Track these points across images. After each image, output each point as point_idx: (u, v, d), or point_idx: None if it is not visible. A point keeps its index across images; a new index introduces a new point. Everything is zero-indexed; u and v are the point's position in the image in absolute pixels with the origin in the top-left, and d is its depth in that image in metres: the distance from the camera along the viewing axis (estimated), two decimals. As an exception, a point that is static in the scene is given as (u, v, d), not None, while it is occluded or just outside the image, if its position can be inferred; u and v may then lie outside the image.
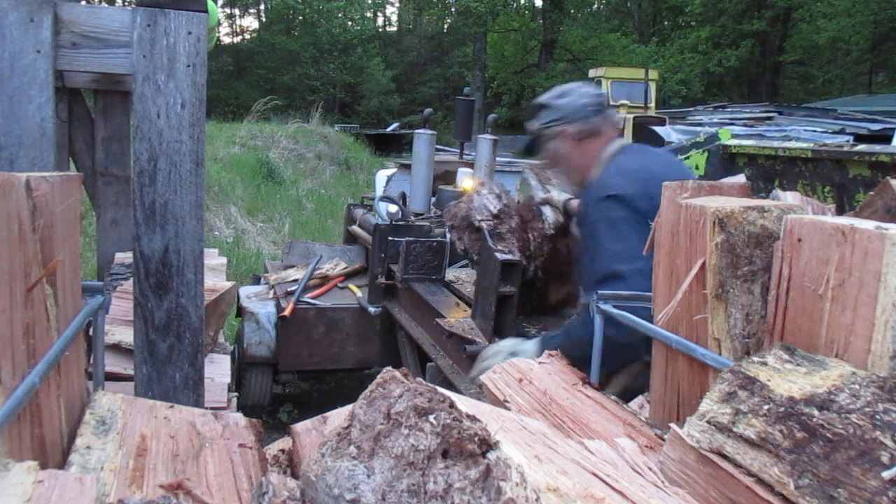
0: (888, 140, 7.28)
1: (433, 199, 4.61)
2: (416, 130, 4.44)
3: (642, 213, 1.97)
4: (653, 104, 15.62)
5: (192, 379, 2.03)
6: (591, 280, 2.12)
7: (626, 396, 1.76)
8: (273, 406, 3.99)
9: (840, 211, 2.70)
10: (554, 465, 0.98)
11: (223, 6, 30.32)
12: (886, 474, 0.84)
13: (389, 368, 0.93)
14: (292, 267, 4.27)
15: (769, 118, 10.05)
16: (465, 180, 4.37)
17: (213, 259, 3.31)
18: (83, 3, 2.84)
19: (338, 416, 1.46)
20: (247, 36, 33.20)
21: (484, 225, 3.02)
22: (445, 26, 32.18)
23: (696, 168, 4.55)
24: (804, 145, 3.84)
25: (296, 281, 3.91)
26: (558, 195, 2.95)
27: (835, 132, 8.58)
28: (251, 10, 33.33)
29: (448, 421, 0.81)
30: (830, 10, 21.59)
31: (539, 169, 3.22)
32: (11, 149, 1.89)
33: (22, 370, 1.09)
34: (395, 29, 36.01)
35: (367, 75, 28.64)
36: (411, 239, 3.56)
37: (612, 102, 15.58)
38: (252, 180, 10.40)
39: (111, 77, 2.77)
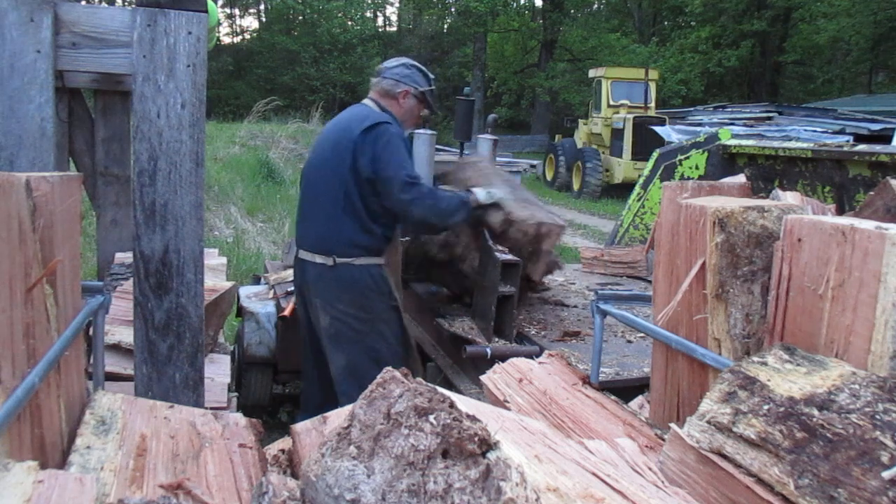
0: (888, 140, 7.28)
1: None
2: (416, 130, 4.44)
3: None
4: (653, 104, 15.58)
5: (192, 379, 2.03)
6: None
7: None
8: (273, 406, 3.99)
9: (840, 211, 2.70)
10: (554, 465, 0.98)
11: (223, 6, 30.29)
12: (886, 474, 0.84)
13: (389, 368, 0.93)
14: (292, 267, 4.27)
15: (769, 118, 10.05)
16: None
17: (213, 259, 3.31)
18: (83, 3, 2.84)
19: (338, 416, 1.46)
20: (247, 36, 33.19)
21: None
22: (445, 26, 32.14)
23: (696, 168, 4.56)
24: (804, 145, 3.84)
25: (296, 281, 3.91)
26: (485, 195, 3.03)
27: (835, 132, 8.58)
28: (251, 10, 33.29)
29: (448, 421, 0.81)
30: (830, 10, 21.56)
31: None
32: (11, 149, 1.89)
33: (22, 370, 1.09)
34: (395, 29, 35.99)
35: (367, 75, 28.63)
36: (411, 239, 3.56)
37: (612, 102, 15.57)
38: (252, 180, 10.40)
39: (111, 77, 2.77)
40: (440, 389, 0.88)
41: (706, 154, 4.47)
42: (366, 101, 2.97)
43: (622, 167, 14.37)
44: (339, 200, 2.74)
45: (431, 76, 3.05)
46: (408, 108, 2.95)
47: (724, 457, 1.02)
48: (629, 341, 2.89)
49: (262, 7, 32.72)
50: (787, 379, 1.06)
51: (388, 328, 2.83)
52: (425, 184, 2.82)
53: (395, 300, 2.87)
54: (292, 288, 3.80)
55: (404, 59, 3.06)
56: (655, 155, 4.96)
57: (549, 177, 16.80)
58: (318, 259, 2.79)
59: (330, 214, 2.76)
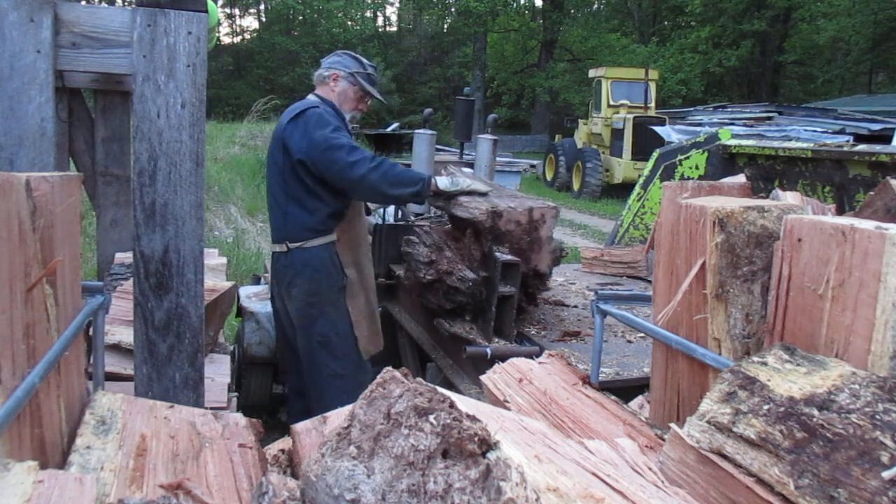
0: (888, 140, 7.28)
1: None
2: (416, 130, 4.44)
3: None
4: (653, 104, 15.58)
5: (192, 379, 2.03)
6: None
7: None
8: (273, 406, 3.99)
9: (840, 211, 2.70)
10: (554, 465, 0.98)
11: (223, 6, 30.28)
12: (886, 474, 0.84)
13: (389, 368, 0.93)
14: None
15: (769, 118, 10.05)
16: None
17: (213, 259, 3.31)
18: (83, 3, 2.84)
19: (338, 416, 1.46)
20: (247, 36, 33.20)
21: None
22: (445, 26, 32.14)
23: (696, 168, 4.56)
24: (804, 145, 3.84)
25: (296, 281, 3.91)
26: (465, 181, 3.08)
27: (835, 132, 8.59)
28: (251, 10, 33.30)
29: (448, 421, 0.81)
30: (830, 10, 21.57)
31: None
32: (11, 149, 1.89)
33: (22, 370, 1.09)
34: (395, 29, 35.98)
35: (367, 75, 28.58)
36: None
37: (612, 102, 15.58)
38: (252, 180, 10.40)
39: (111, 77, 2.77)
40: (440, 389, 0.88)
41: (706, 154, 4.47)
42: (309, 95, 3.13)
43: (622, 167, 14.37)
44: (282, 189, 2.93)
45: (366, 62, 3.16)
46: (340, 90, 3.06)
47: (724, 457, 1.02)
48: (629, 341, 2.89)
49: (262, 7, 32.72)
50: (787, 379, 1.06)
51: (335, 311, 2.97)
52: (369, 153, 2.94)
53: (343, 279, 3.00)
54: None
55: (338, 51, 3.22)
56: (655, 155, 4.96)
57: (549, 177, 16.80)
58: (276, 248, 2.98)
59: (279, 204, 2.96)
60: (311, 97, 3.09)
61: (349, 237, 3.07)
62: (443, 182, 2.97)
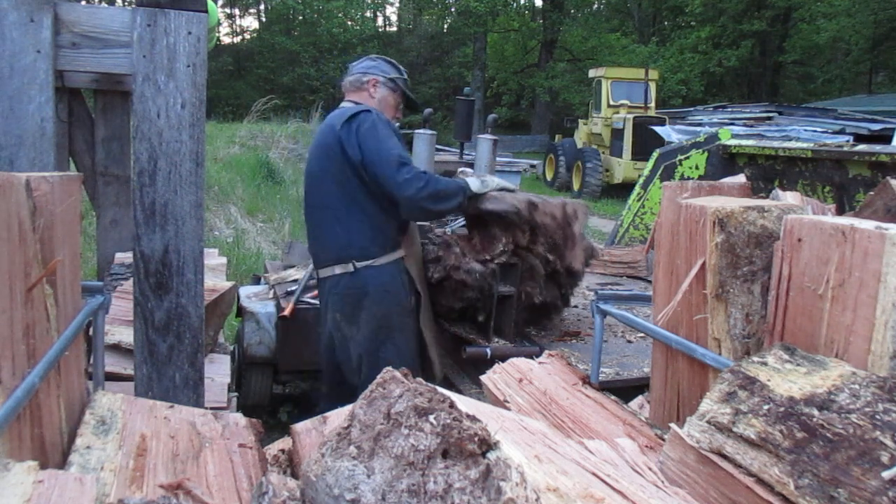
0: (888, 140, 7.28)
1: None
2: (416, 130, 4.43)
3: None
4: (653, 104, 15.57)
5: (192, 379, 2.03)
6: None
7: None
8: (273, 406, 3.99)
9: (840, 211, 2.70)
10: (554, 465, 0.98)
11: (223, 6, 30.28)
12: (886, 474, 0.84)
13: (389, 368, 0.93)
14: (292, 267, 4.27)
15: (769, 118, 10.05)
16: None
17: (213, 259, 3.31)
18: (83, 3, 2.84)
19: (338, 416, 1.46)
20: (247, 36, 33.20)
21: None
22: (445, 26, 32.13)
23: (696, 168, 4.56)
24: (804, 145, 3.84)
25: (296, 281, 3.91)
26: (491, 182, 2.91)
27: (835, 132, 8.59)
28: (251, 10, 33.30)
29: (448, 421, 0.81)
30: (830, 10, 21.57)
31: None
32: (11, 149, 1.89)
33: (22, 370, 1.09)
34: (395, 29, 35.97)
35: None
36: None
37: (612, 102, 15.58)
38: (252, 180, 10.40)
39: (111, 77, 2.77)
40: (440, 389, 0.88)
41: (706, 154, 4.47)
42: (343, 103, 2.88)
43: (622, 167, 14.37)
44: (341, 202, 2.64)
45: (401, 67, 2.95)
46: (380, 97, 2.84)
47: (724, 457, 1.02)
48: (629, 341, 2.89)
49: (262, 7, 32.71)
50: (787, 379, 1.06)
51: (402, 335, 2.71)
52: (417, 167, 2.70)
53: (413, 298, 2.76)
54: (292, 288, 3.81)
55: (370, 55, 2.99)
56: (655, 155, 4.96)
57: (549, 177, 16.80)
58: (338, 270, 2.66)
59: (338, 219, 2.66)
60: (346, 104, 2.82)
61: (414, 251, 2.85)
62: (475, 185, 2.81)
